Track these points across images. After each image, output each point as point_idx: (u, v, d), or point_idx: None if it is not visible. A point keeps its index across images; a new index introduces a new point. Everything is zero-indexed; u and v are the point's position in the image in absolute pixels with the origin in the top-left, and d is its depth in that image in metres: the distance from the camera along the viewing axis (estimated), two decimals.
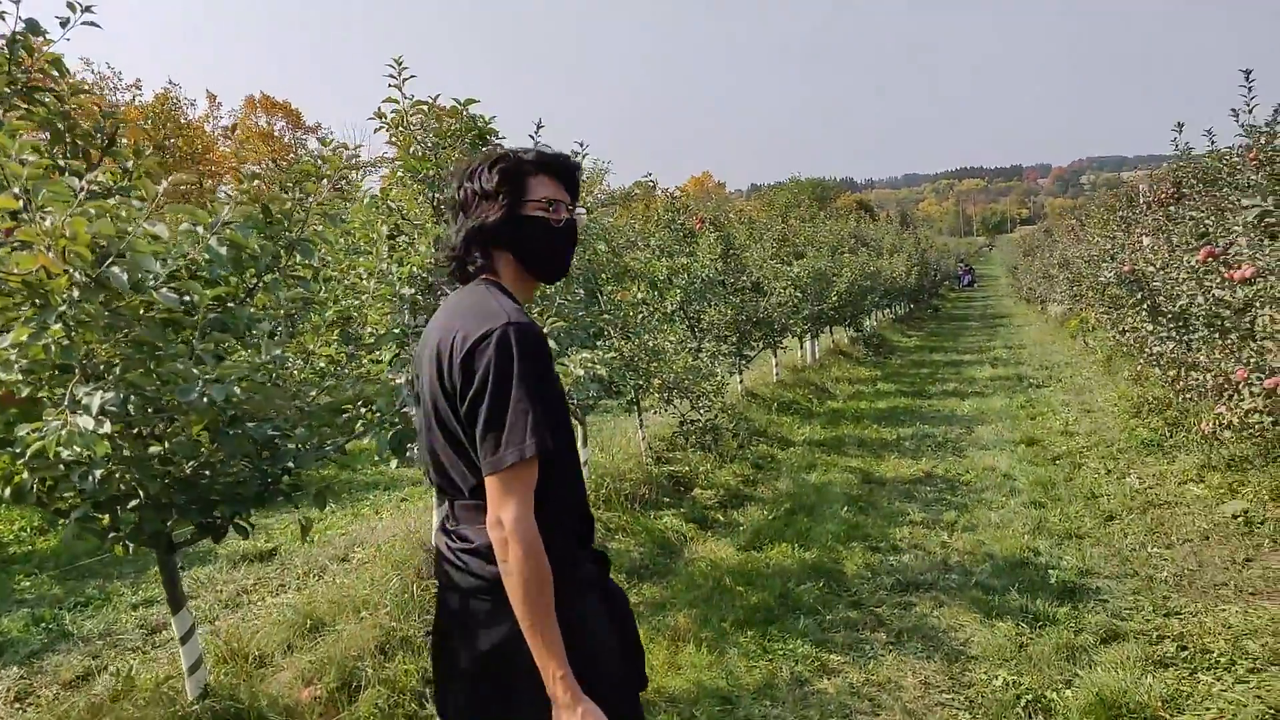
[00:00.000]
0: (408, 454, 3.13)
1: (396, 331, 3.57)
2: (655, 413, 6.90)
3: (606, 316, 5.27)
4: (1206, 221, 7.61)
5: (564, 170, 1.91)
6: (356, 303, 3.70)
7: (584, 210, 2.02)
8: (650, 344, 5.88)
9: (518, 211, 1.83)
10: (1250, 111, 8.18)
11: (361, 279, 3.77)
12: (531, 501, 1.62)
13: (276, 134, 37.35)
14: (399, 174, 4.03)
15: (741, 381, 10.47)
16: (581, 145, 5.31)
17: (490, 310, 1.71)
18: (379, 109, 3.94)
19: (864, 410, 10.72)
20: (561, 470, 1.74)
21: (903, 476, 7.43)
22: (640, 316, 5.69)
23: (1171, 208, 10.53)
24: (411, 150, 3.94)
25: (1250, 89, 8.00)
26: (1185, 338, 7.62)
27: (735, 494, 6.86)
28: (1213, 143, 10.26)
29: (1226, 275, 6.07)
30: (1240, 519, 5.54)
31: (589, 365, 3.62)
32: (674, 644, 4.20)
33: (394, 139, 4.06)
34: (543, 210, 1.84)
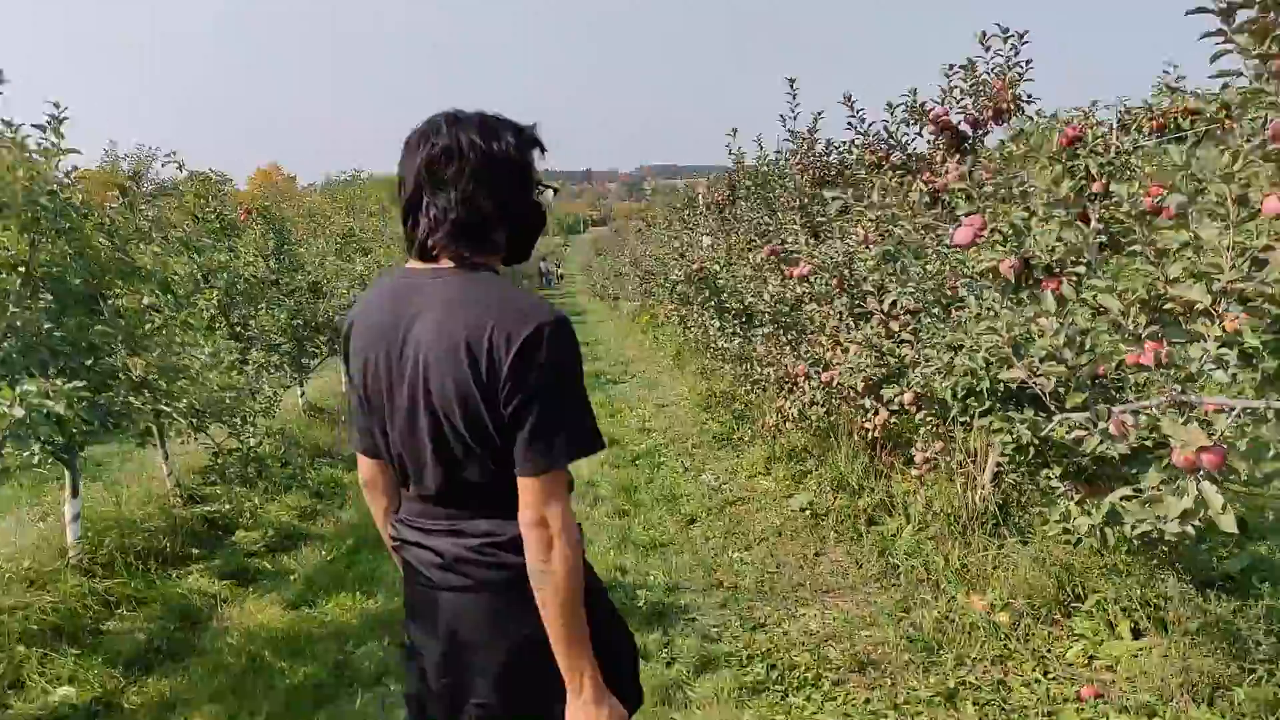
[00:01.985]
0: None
1: None
2: (185, 442, 5.69)
3: (101, 329, 4.10)
4: (767, 221, 7.84)
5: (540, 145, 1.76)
6: None
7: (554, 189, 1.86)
8: (174, 359, 4.76)
9: (533, 192, 1.75)
10: (795, 118, 8.64)
11: None
12: (570, 501, 1.64)
13: None
14: None
15: (303, 394, 9.31)
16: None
17: (525, 304, 1.61)
18: None
19: None
20: None
21: None
22: (150, 326, 4.53)
23: (726, 211, 11.06)
24: None
25: (795, 95, 8.44)
26: (749, 333, 7.85)
27: (289, 533, 5.78)
28: (761, 148, 10.88)
29: (787, 273, 6.21)
30: (807, 512, 5.62)
31: (34, 402, 2.58)
32: None
33: None
34: (539, 191, 1.76)
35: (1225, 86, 2.75)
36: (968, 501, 4.68)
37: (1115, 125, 4.36)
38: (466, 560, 1.69)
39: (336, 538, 5.70)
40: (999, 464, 4.73)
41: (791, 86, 8.30)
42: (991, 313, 3.62)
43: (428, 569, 1.74)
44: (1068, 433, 3.40)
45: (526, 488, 1.58)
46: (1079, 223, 2.60)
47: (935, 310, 4.14)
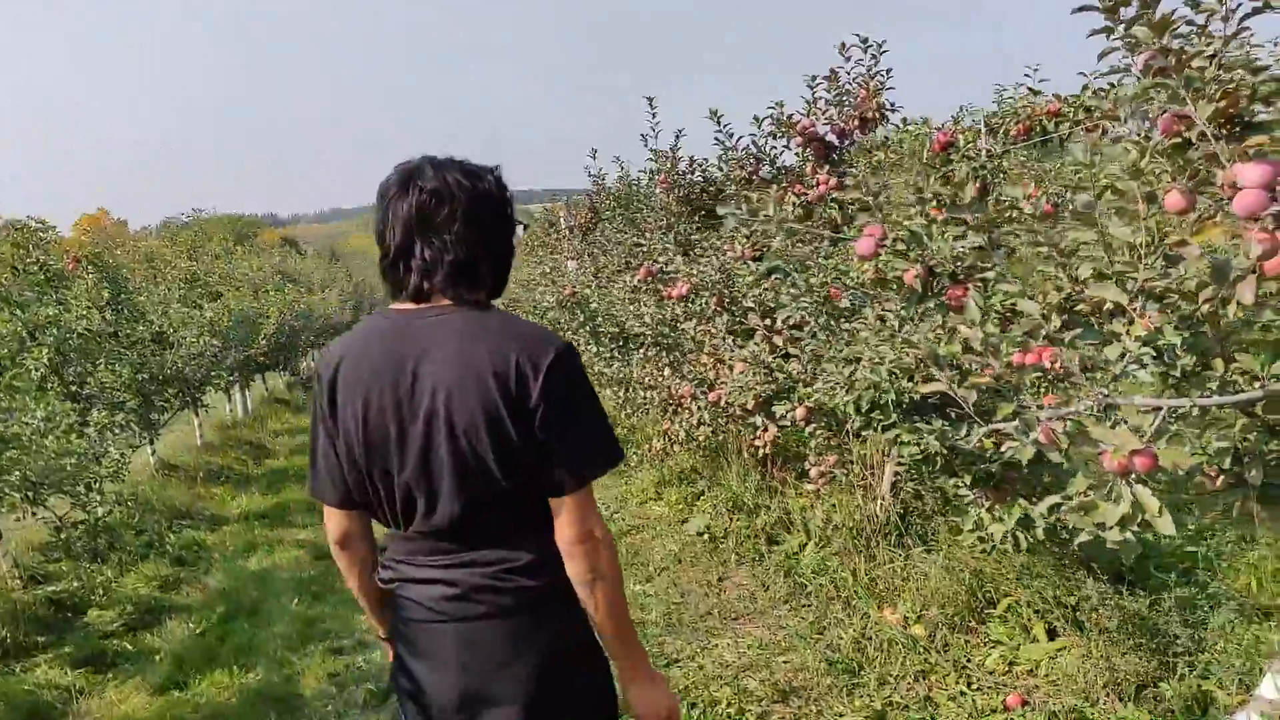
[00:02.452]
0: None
1: None
2: (21, 518, 5.11)
3: None
4: (640, 242, 7.73)
5: None
6: None
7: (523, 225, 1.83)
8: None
9: (512, 230, 1.83)
10: (656, 137, 8.59)
11: None
12: None
13: None
14: None
15: (154, 453, 8.63)
16: None
17: (538, 331, 1.70)
18: None
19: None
20: None
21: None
22: None
23: (590, 234, 10.94)
24: None
25: (655, 114, 8.38)
26: (627, 357, 7.71)
27: (150, 607, 5.26)
28: (623, 168, 10.81)
29: (665, 293, 6.09)
30: (705, 535, 5.49)
31: None
32: None
33: None
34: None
35: (1114, 86, 2.76)
36: (869, 513, 4.64)
37: (983, 130, 4.41)
38: (484, 589, 1.70)
39: (205, 607, 5.24)
40: (897, 474, 4.71)
41: (651, 105, 8.24)
42: (894, 324, 3.57)
43: (438, 602, 1.72)
44: (979, 441, 3.38)
45: (567, 505, 1.66)
46: (984, 228, 2.55)
47: (825, 323, 4.08)
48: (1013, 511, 3.30)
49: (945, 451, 3.34)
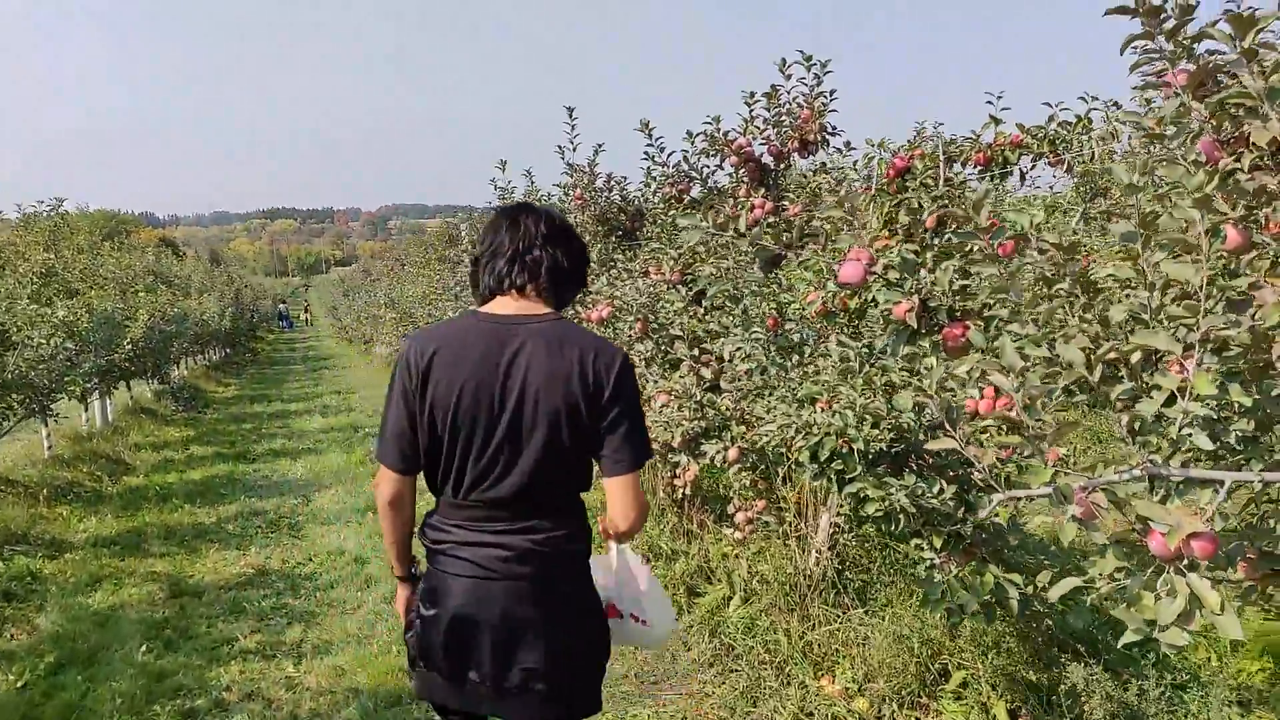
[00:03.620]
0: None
1: None
2: None
3: None
4: None
5: None
6: None
7: None
8: None
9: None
10: (574, 149, 8.13)
11: None
12: None
13: None
14: None
15: None
16: None
17: (605, 341, 2.10)
18: None
19: (173, 485, 8.52)
20: None
21: (227, 578, 5.72)
22: None
23: None
24: None
25: (574, 125, 7.93)
26: None
27: None
28: (532, 182, 10.32)
29: (584, 316, 5.62)
30: None
31: None
32: None
33: None
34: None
35: (1150, 104, 2.42)
36: (803, 568, 4.23)
37: (942, 157, 4.09)
38: (535, 553, 2.06)
39: (31, 654, 4.46)
40: (835, 524, 4.33)
41: (570, 116, 7.80)
42: (854, 363, 3.18)
43: (493, 562, 2.06)
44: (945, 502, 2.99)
45: (623, 482, 2.06)
46: (997, 258, 2.16)
47: (772, 358, 3.66)
48: (985, 580, 2.93)
49: (913, 510, 2.95)
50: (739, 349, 3.65)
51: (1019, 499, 2.08)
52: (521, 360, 2.01)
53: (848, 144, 5.33)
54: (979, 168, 4.22)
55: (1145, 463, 1.84)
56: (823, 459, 3.04)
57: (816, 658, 3.83)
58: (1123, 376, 1.90)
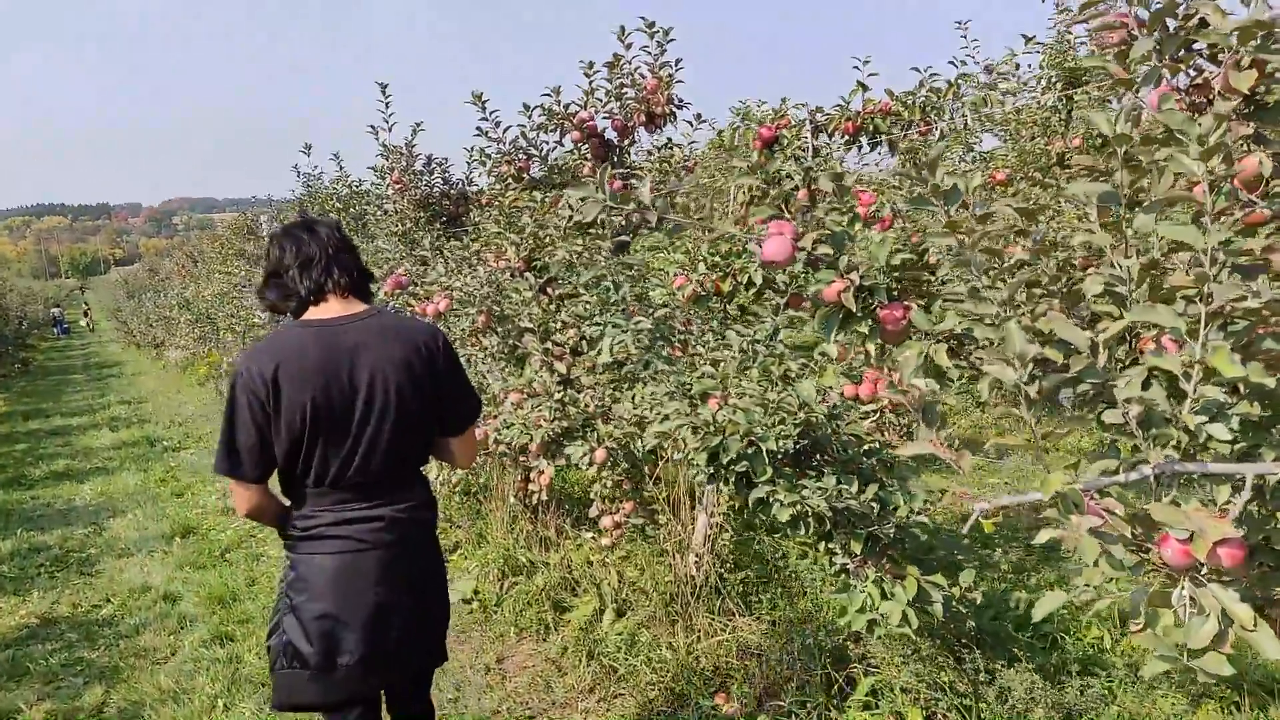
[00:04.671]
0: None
1: None
2: None
3: None
4: (384, 247, 6.66)
5: None
6: None
7: None
8: None
9: None
10: (390, 129, 7.52)
11: None
12: None
13: None
14: None
15: None
16: None
17: (422, 322, 2.42)
18: None
19: None
20: None
21: (3, 631, 4.83)
22: None
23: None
24: None
25: (388, 103, 7.34)
26: None
27: None
28: (341, 167, 9.61)
29: (418, 309, 5.07)
30: (474, 604, 4.54)
31: None
32: None
33: None
34: None
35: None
36: (681, 574, 3.90)
37: (810, 126, 3.83)
38: (399, 521, 2.30)
39: None
40: (713, 525, 4.01)
41: (384, 93, 7.18)
42: (751, 351, 2.85)
43: (363, 534, 2.26)
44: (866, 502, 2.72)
45: (467, 435, 2.48)
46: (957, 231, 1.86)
47: (655, 348, 3.29)
48: (907, 587, 2.67)
49: (828, 513, 2.65)
50: (619, 341, 3.26)
51: (1005, 506, 1.78)
52: (362, 355, 2.21)
53: (698, 116, 5.03)
54: (847, 136, 3.99)
55: (1163, 459, 1.58)
56: (725, 461, 2.70)
57: (706, 673, 3.51)
58: (1125, 362, 1.62)
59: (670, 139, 5.31)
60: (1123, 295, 1.76)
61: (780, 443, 2.61)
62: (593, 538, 4.52)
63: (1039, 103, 6.12)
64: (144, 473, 8.80)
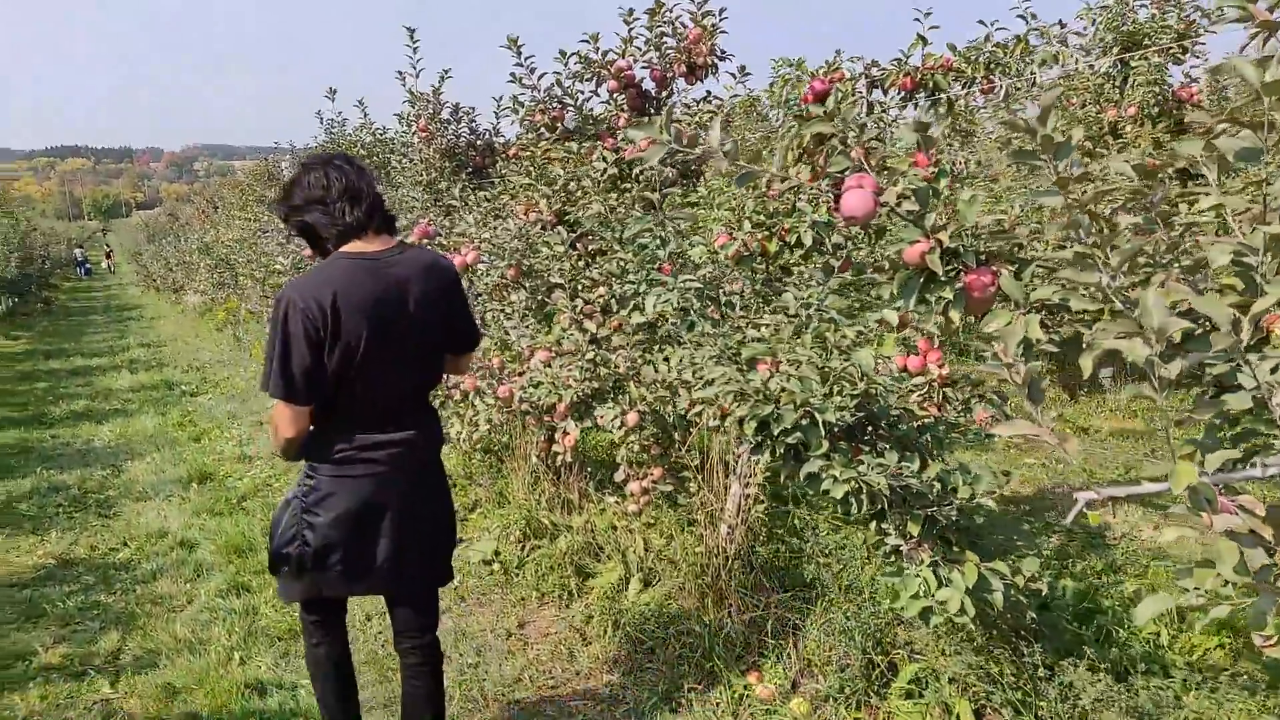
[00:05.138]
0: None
1: None
2: None
3: None
4: (415, 198, 6.48)
5: None
6: None
7: None
8: None
9: None
10: (417, 75, 7.30)
11: None
12: None
13: None
14: None
15: None
16: None
17: (438, 253, 2.70)
18: None
19: None
20: None
21: (20, 571, 4.76)
22: None
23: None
24: None
25: (416, 49, 7.11)
26: None
27: None
28: (366, 114, 9.39)
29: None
30: (494, 565, 4.40)
31: None
32: None
33: None
34: None
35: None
36: (713, 546, 3.74)
37: (865, 81, 3.60)
38: (422, 443, 2.53)
39: None
40: (746, 495, 3.85)
41: (411, 38, 6.96)
42: (804, 316, 2.67)
43: (393, 458, 2.46)
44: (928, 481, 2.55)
45: (458, 363, 2.74)
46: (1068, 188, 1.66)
47: (700, 310, 3.11)
48: (967, 573, 2.50)
49: (886, 492, 2.48)
50: (664, 300, 3.07)
51: (1116, 498, 1.61)
52: (411, 287, 2.39)
53: (742, 68, 4.80)
54: (904, 93, 3.76)
55: None
56: (777, 432, 2.52)
57: (738, 651, 3.36)
58: (1261, 346, 1.44)
59: (710, 91, 5.09)
60: (1251, 266, 1.56)
61: (838, 415, 2.44)
62: (616, 502, 4.36)
63: (1092, 68, 5.86)
64: (162, 416, 8.70)
